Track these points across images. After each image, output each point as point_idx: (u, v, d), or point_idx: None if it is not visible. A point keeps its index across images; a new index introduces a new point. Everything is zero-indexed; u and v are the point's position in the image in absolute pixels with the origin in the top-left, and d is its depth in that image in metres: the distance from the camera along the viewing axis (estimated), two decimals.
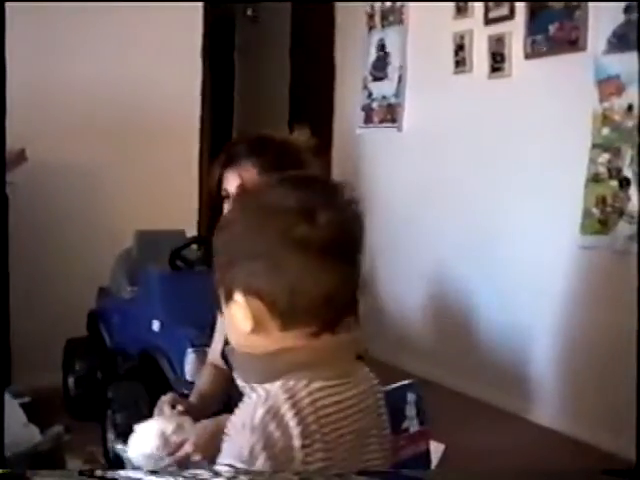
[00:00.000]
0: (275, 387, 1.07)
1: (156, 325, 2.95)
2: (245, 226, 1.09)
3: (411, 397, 1.45)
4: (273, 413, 1.04)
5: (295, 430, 1.04)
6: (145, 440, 1.56)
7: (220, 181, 1.88)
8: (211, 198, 1.92)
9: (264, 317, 1.07)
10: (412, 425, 1.44)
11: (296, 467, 1.03)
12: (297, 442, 1.03)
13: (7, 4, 2.55)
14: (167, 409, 1.67)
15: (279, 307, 1.06)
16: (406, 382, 1.46)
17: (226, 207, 1.87)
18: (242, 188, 1.86)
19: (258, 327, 1.08)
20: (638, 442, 2.01)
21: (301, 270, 1.04)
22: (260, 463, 1.01)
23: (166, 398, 1.72)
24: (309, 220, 1.04)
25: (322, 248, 1.04)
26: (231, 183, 1.86)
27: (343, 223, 1.07)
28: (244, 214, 1.11)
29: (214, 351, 1.95)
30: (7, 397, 1.94)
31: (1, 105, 2.65)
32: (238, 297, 1.08)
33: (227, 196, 1.87)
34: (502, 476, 1.24)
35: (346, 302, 1.10)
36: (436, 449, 1.58)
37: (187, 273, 3.04)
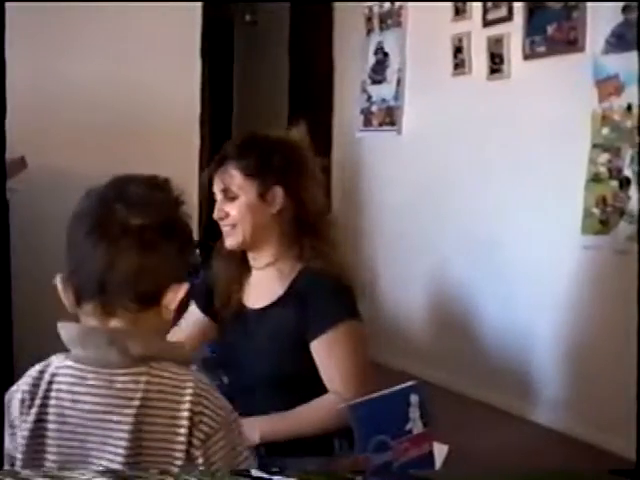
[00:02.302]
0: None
1: None
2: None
3: (414, 399, 1.44)
4: (27, 374, 1.18)
5: (19, 394, 1.15)
6: None
7: (211, 183, 1.87)
8: (205, 200, 1.92)
9: (68, 296, 1.21)
10: (416, 427, 1.43)
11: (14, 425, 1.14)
12: (16, 403, 1.14)
13: (7, 4, 2.54)
14: None
15: (71, 282, 1.21)
16: (409, 384, 1.46)
17: (216, 210, 1.86)
18: (226, 192, 1.85)
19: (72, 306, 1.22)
20: (639, 442, 2.01)
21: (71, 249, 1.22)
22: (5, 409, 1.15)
23: None
24: (84, 208, 1.21)
25: (80, 232, 1.20)
26: (217, 187, 1.86)
27: (102, 213, 1.19)
28: None
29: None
30: None
31: (1, 110, 2.65)
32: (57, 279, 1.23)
33: (215, 199, 1.87)
34: (507, 477, 1.24)
35: (88, 285, 1.18)
36: (440, 450, 1.58)
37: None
